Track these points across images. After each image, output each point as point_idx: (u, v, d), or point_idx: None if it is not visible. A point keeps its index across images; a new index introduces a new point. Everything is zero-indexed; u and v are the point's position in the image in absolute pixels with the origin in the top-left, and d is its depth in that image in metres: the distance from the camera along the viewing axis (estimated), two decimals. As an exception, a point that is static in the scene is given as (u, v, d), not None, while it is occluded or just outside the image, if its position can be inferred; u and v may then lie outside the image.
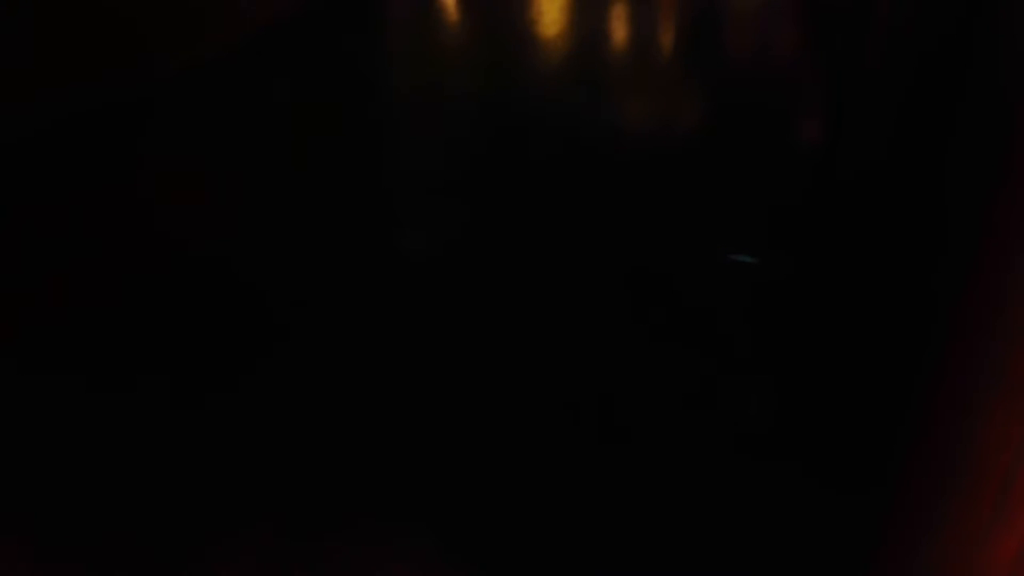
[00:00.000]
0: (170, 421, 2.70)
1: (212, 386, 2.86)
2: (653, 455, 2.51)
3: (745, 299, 3.26)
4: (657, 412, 2.68)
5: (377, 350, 3.03)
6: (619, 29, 6.89)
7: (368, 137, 4.86)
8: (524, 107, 5.25)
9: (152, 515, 2.35)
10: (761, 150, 4.54)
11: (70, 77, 5.01)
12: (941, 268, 2.03)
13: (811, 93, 5.31)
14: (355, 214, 3.99)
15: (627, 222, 3.84)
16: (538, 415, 2.69)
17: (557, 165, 4.44)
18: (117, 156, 4.64)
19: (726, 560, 2.16)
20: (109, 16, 5.19)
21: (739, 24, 6.89)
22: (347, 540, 2.25)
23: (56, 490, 2.44)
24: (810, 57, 5.96)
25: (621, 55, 6.25)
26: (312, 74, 5.92)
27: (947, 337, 1.66)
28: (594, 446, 2.55)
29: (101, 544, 2.26)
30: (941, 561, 1.23)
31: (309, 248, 3.71)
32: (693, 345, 3.00)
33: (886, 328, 3.03)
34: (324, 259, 3.62)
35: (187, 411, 2.74)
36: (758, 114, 5.03)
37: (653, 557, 2.17)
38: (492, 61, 6.17)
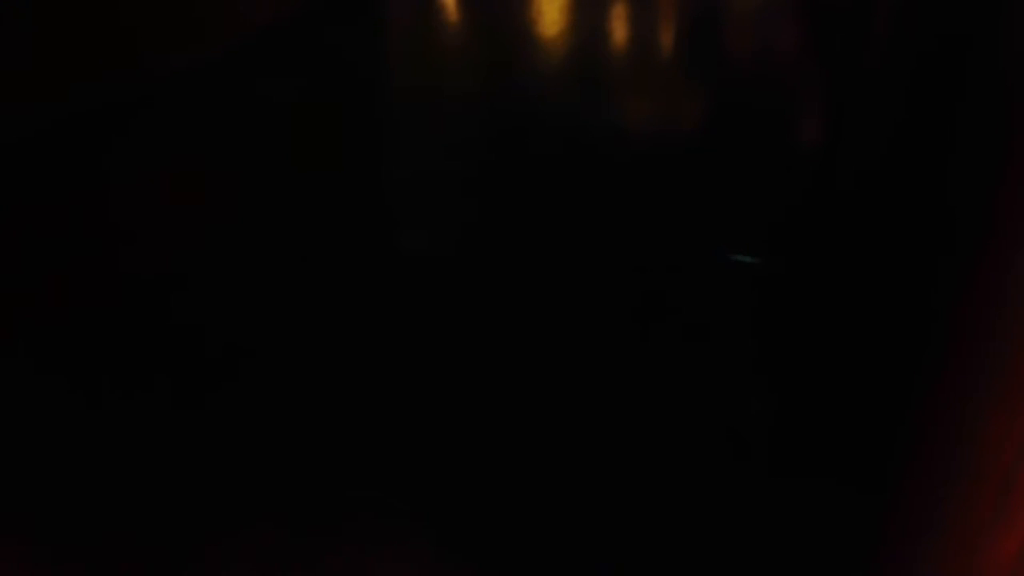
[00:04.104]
0: (170, 421, 2.70)
1: (212, 386, 2.86)
2: (651, 455, 2.51)
3: (745, 299, 3.26)
4: (656, 412, 2.68)
5: (378, 349, 3.02)
6: (619, 29, 6.89)
7: (368, 137, 4.86)
8: (524, 107, 5.25)
9: (152, 515, 2.35)
10: (761, 150, 4.54)
11: (70, 77, 5.00)
12: (941, 268, 2.03)
13: (811, 93, 5.31)
14: (355, 214, 3.99)
15: (627, 222, 3.84)
16: (537, 415, 2.69)
17: (557, 165, 4.44)
18: (117, 156, 4.64)
19: (726, 560, 2.16)
20: (108, 16, 5.19)
21: (739, 24, 6.89)
22: (347, 540, 2.25)
23: (56, 490, 2.44)
24: (810, 57, 5.96)
25: (621, 55, 6.25)
26: (312, 74, 5.92)
27: (947, 337, 1.66)
28: (593, 446, 2.55)
29: (101, 544, 2.26)
30: (941, 561, 1.23)
31: (310, 247, 3.71)
32: (693, 345, 3.00)
33: (886, 328, 3.03)
34: (324, 258, 3.62)
35: (187, 411, 2.74)
36: (758, 114, 5.03)
37: (652, 557, 2.17)
38: (492, 61, 6.17)
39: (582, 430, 2.62)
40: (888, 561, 1.76)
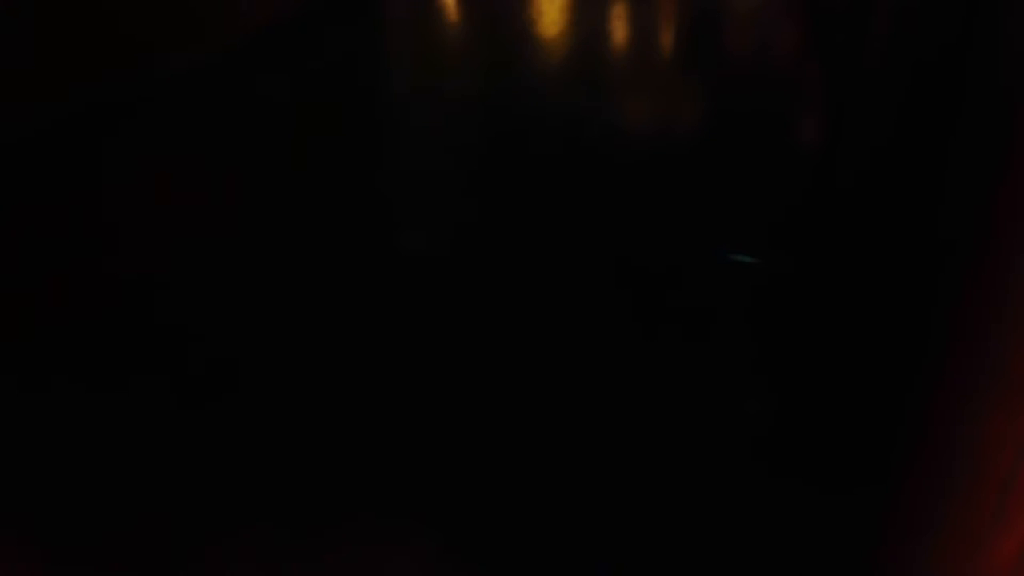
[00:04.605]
0: (170, 421, 2.70)
1: (212, 386, 2.86)
2: (652, 455, 2.51)
3: (745, 299, 3.26)
4: (655, 412, 2.68)
5: (378, 348, 3.03)
6: (619, 29, 6.89)
7: (368, 137, 4.86)
8: (524, 107, 5.25)
9: (152, 515, 2.35)
10: (761, 150, 4.54)
11: (70, 77, 5.01)
12: (941, 268, 2.03)
13: (811, 93, 5.31)
14: (355, 214, 4.00)
15: (627, 222, 3.84)
16: (537, 415, 2.69)
17: (557, 165, 4.44)
18: (117, 156, 4.64)
19: (726, 559, 2.16)
20: (109, 16, 5.19)
21: (739, 24, 6.89)
22: (347, 540, 2.25)
23: (56, 490, 2.44)
24: (810, 57, 5.96)
25: (621, 55, 6.25)
26: (312, 74, 5.92)
27: (947, 337, 1.66)
28: (593, 446, 2.55)
29: (101, 544, 2.26)
30: (941, 561, 1.23)
31: (309, 247, 3.71)
32: (693, 345, 3.00)
33: (886, 328, 3.03)
34: (324, 258, 3.62)
35: (187, 411, 2.74)
36: (758, 114, 5.03)
37: (652, 557, 2.17)
38: (492, 61, 6.17)
39: (582, 430, 2.62)
40: (888, 561, 1.76)
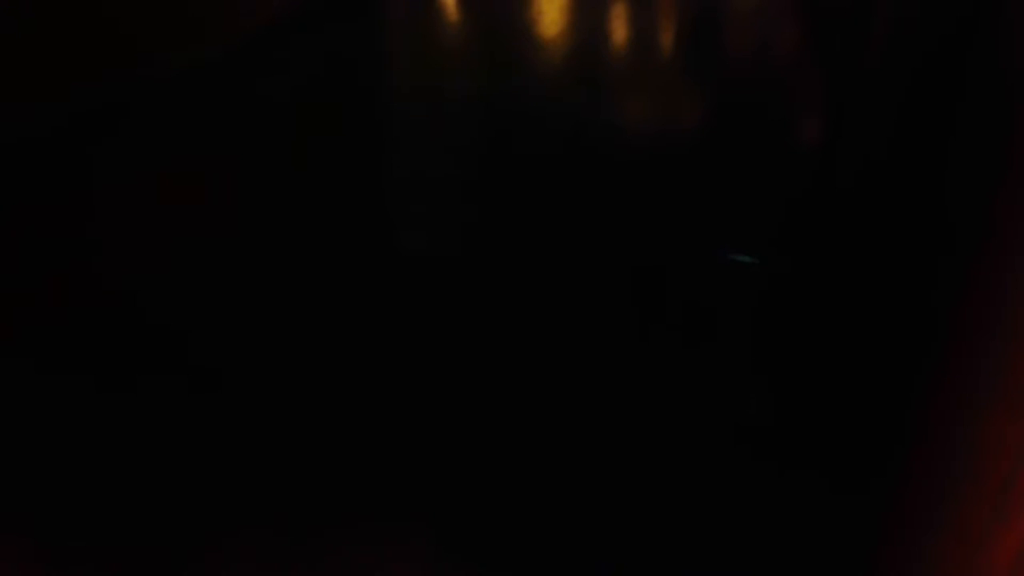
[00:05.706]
0: (169, 422, 2.70)
1: (212, 386, 2.86)
2: (652, 455, 2.51)
3: (745, 299, 3.26)
4: (656, 412, 2.68)
5: (379, 349, 3.03)
6: (619, 29, 6.89)
7: (368, 137, 4.86)
8: (524, 107, 5.25)
9: (152, 515, 2.35)
10: (761, 150, 4.54)
11: (70, 77, 5.00)
12: (941, 268, 2.03)
13: (811, 93, 5.31)
14: (355, 214, 4.00)
15: (627, 222, 3.84)
16: (538, 415, 2.69)
17: (557, 165, 4.44)
18: (117, 156, 4.64)
19: (726, 559, 2.16)
20: (108, 16, 5.19)
21: (739, 24, 6.89)
22: (347, 540, 2.25)
23: (56, 490, 2.44)
24: (810, 57, 5.96)
25: (621, 55, 6.25)
26: (312, 74, 5.92)
27: (947, 337, 1.66)
28: (593, 445, 2.55)
29: (101, 544, 2.26)
30: (941, 561, 1.23)
31: (309, 248, 3.71)
32: (693, 345, 3.00)
33: (886, 328, 3.03)
34: (324, 258, 3.62)
35: (187, 412, 2.74)
36: (758, 114, 5.03)
37: (652, 556, 2.17)
38: (492, 61, 6.16)
39: (582, 430, 2.62)
40: (888, 561, 1.76)
